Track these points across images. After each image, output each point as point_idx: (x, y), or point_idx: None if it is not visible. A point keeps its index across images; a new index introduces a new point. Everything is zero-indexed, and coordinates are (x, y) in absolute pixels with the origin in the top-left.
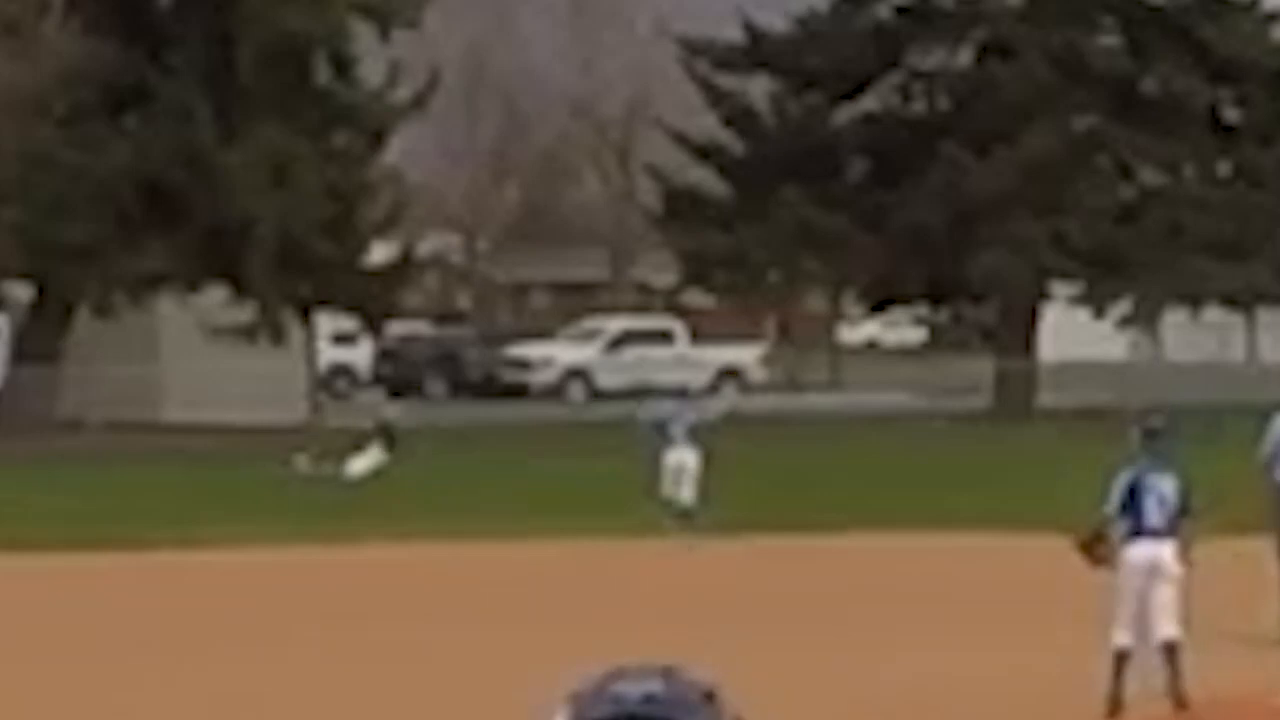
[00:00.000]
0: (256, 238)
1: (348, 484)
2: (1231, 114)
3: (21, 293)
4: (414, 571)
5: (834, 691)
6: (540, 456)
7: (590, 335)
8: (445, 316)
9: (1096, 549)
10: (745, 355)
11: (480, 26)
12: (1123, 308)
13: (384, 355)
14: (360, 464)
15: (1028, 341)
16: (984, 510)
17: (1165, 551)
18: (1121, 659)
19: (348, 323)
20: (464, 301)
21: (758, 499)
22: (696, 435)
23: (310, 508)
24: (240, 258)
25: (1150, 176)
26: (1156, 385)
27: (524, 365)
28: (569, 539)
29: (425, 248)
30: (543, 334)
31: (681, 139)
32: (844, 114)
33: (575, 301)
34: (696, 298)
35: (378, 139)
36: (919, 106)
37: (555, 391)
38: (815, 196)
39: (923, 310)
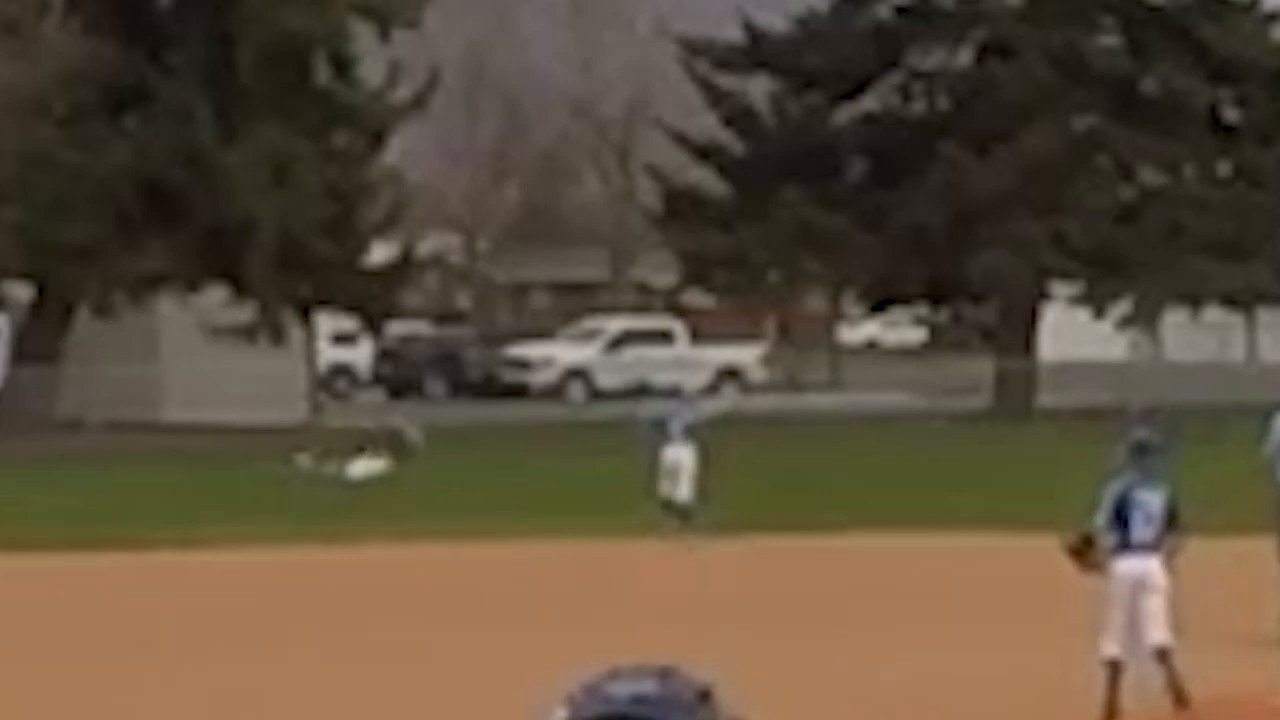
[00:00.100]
0: (256, 238)
1: (348, 484)
2: (1231, 114)
3: (21, 293)
4: (414, 571)
5: (834, 691)
6: (540, 456)
7: (590, 335)
8: (445, 316)
9: (1085, 555)
10: (745, 355)
11: (480, 26)
12: (1123, 308)
13: (384, 355)
14: (362, 467)
15: (1028, 341)
16: (984, 510)
17: (1152, 565)
18: (1113, 669)
19: (348, 323)
20: (464, 301)
21: (758, 499)
22: (693, 434)
23: (310, 508)
24: (240, 258)
25: (1150, 176)
26: (1156, 385)
27: (524, 365)
28: (569, 539)
29: (425, 248)
30: (543, 334)
31: (681, 139)
32: (844, 114)
33: (575, 301)
34: (696, 298)
35: (378, 139)
36: (919, 106)
37: (555, 391)
38: (815, 196)
39: (923, 310)
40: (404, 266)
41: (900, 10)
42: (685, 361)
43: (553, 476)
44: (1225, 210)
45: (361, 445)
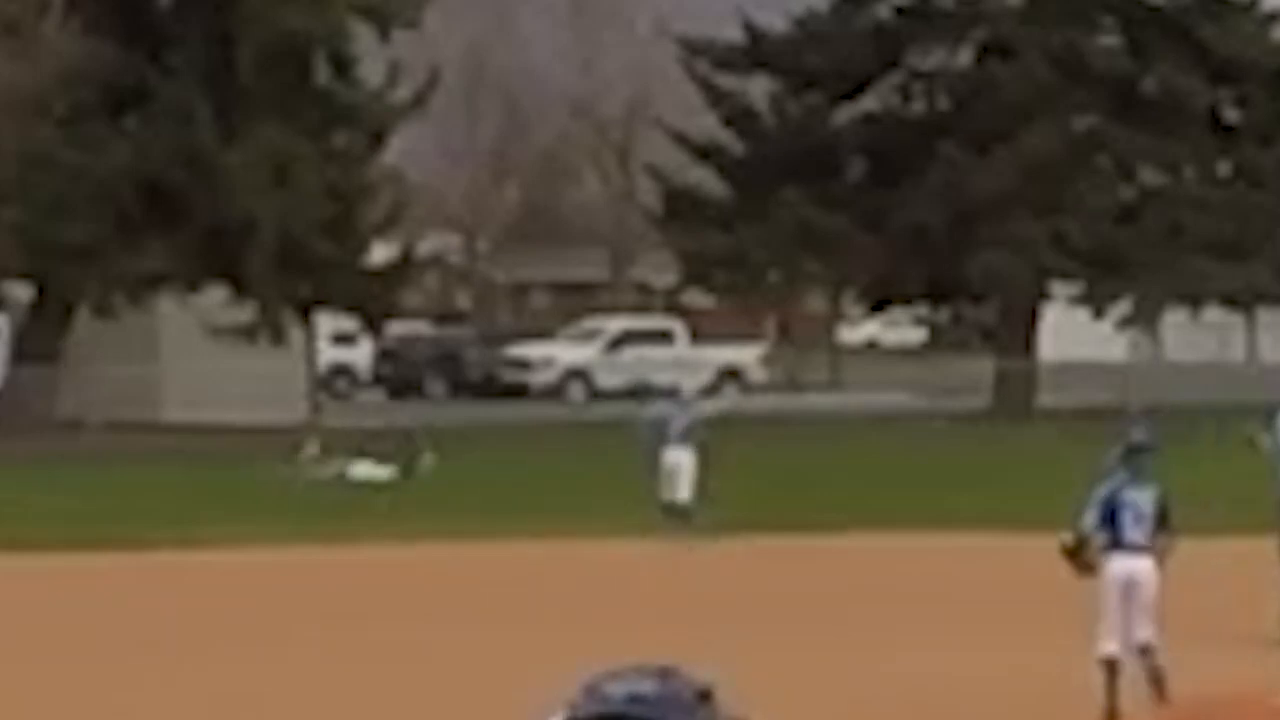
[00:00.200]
0: (256, 238)
1: (348, 484)
2: (1231, 114)
3: (21, 293)
4: (414, 571)
5: (834, 691)
6: (540, 456)
7: (590, 335)
8: (445, 316)
9: (1078, 557)
10: (745, 355)
11: (480, 26)
12: (1123, 308)
13: (384, 355)
14: (365, 470)
15: (1028, 341)
16: (984, 510)
17: (1143, 565)
18: (1111, 667)
19: (348, 323)
20: (464, 301)
21: (758, 499)
22: (691, 435)
23: (310, 508)
24: (240, 258)
25: (1150, 176)
26: (1156, 385)
27: (524, 365)
28: (569, 539)
29: (425, 248)
30: (543, 334)
31: (681, 139)
32: (844, 114)
33: (575, 301)
34: (696, 298)
35: (378, 139)
36: (919, 106)
37: (555, 391)
38: (815, 196)
39: (923, 310)
40: (404, 266)
41: (900, 10)
42: (685, 361)
43: (553, 476)
44: (1225, 210)
45: (365, 450)
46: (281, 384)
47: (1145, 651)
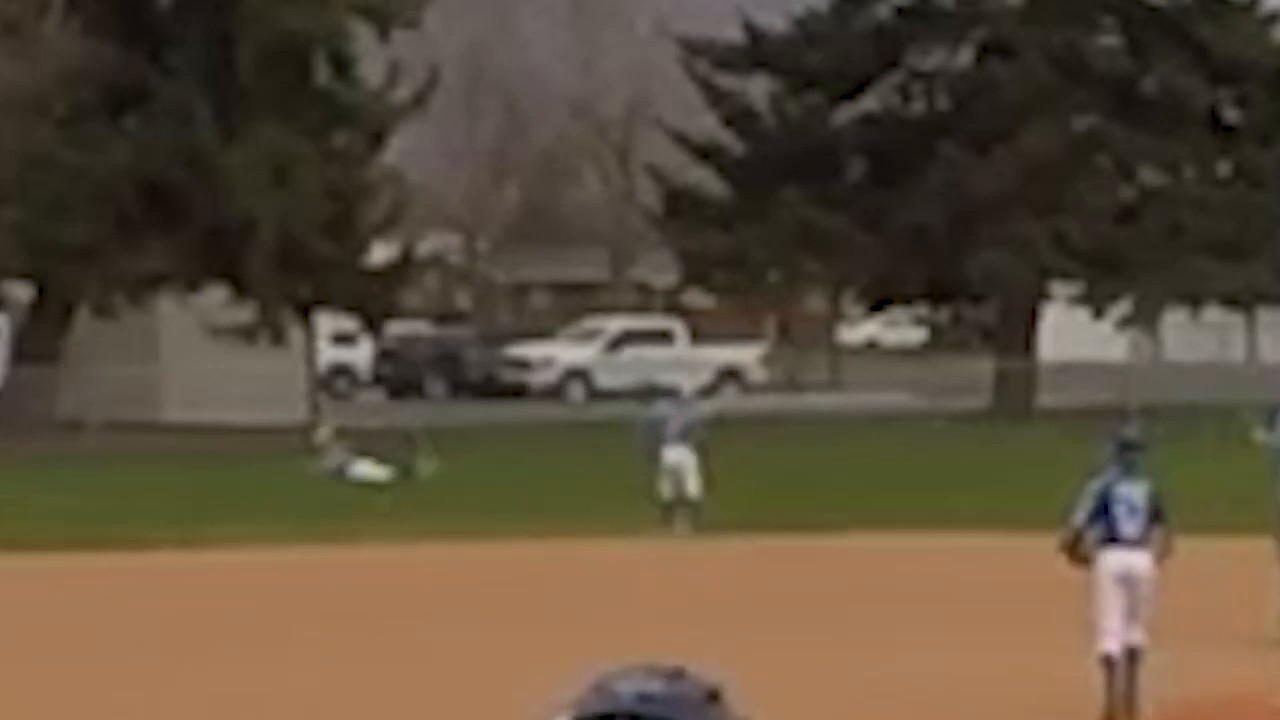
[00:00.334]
0: (256, 238)
1: (346, 481)
2: (1231, 114)
3: (21, 293)
4: (414, 571)
5: (834, 691)
6: (540, 456)
7: (590, 335)
8: (445, 316)
9: (1075, 550)
10: (745, 355)
11: (480, 26)
12: (1123, 308)
13: (384, 355)
14: (364, 469)
15: (1028, 341)
16: (984, 510)
17: (1139, 559)
18: (1111, 666)
19: (348, 323)
20: (464, 301)
21: (758, 499)
22: (690, 434)
23: (310, 508)
24: (240, 258)
25: (1150, 176)
26: (1156, 385)
27: (524, 365)
28: (569, 539)
29: (425, 248)
30: (543, 334)
31: (681, 139)
32: (844, 114)
33: (575, 301)
34: (696, 298)
35: (378, 139)
36: (919, 106)
37: (555, 391)
38: (815, 196)
39: (923, 310)
40: (404, 266)
41: (900, 10)
42: (685, 361)
43: (553, 476)
44: (1225, 210)
45: (364, 450)
46: (281, 384)
47: (1133, 656)
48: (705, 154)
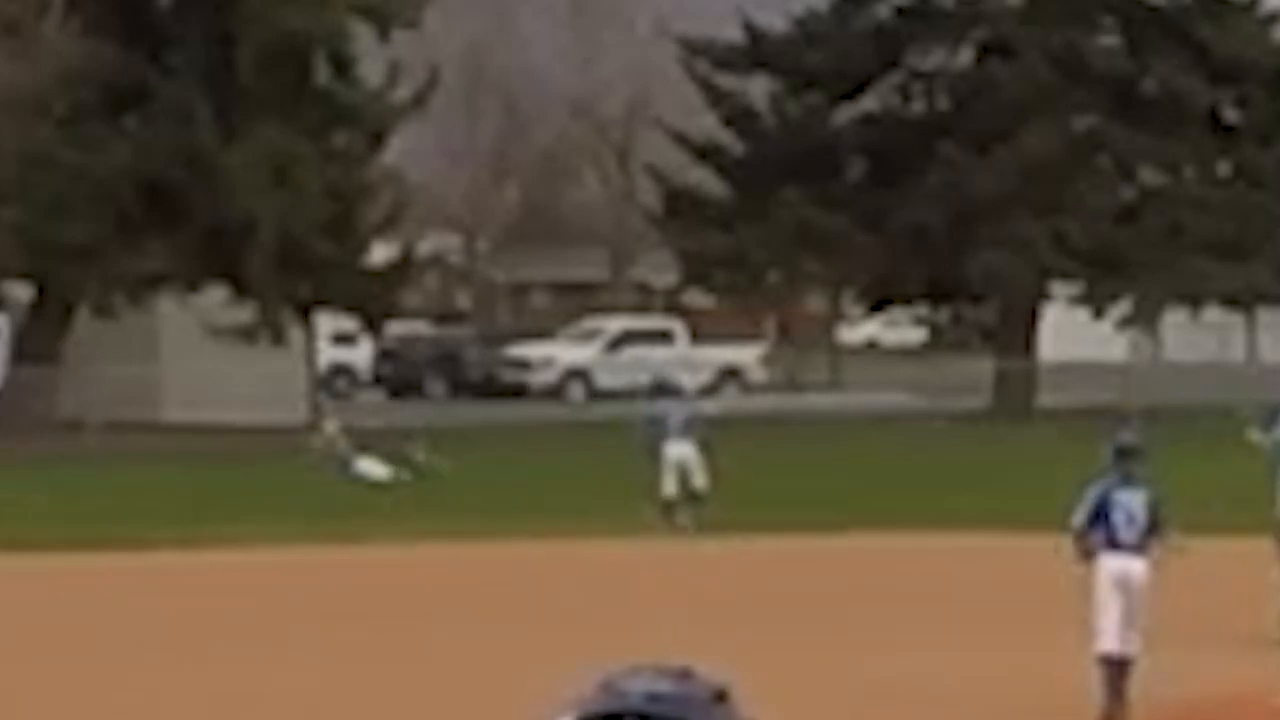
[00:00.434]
0: (256, 238)
1: (348, 477)
2: (1231, 114)
3: (21, 293)
4: (414, 571)
5: (834, 691)
6: (540, 456)
7: (590, 335)
8: (445, 316)
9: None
10: (745, 355)
11: (480, 26)
12: (1123, 308)
13: (384, 355)
14: (366, 467)
15: (1028, 341)
16: (984, 510)
17: (1136, 567)
18: (1109, 664)
19: (348, 323)
20: (464, 301)
21: (758, 499)
22: (692, 429)
23: (310, 508)
24: (240, 258)
25: (1150, 176)
26: (1156, 385)
27: (524, 365)
28: (569, 539)
29: (425, 248)
30: (543, 334)
31: (681, 139)
32: (844, 114)
33: (575, 301)
34: (696, 298)
35: (378, 139)
36: (919, 106)
37: (555, 391)
38: (815, 196)
39: (923, 310)
40: (404, 266)
41: (900, 10)
42: (685, 361)
43: (553, 476)
44: (1225, 210)
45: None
46: (281, 384)
47: (1124, 665)
48: (705, 154)
